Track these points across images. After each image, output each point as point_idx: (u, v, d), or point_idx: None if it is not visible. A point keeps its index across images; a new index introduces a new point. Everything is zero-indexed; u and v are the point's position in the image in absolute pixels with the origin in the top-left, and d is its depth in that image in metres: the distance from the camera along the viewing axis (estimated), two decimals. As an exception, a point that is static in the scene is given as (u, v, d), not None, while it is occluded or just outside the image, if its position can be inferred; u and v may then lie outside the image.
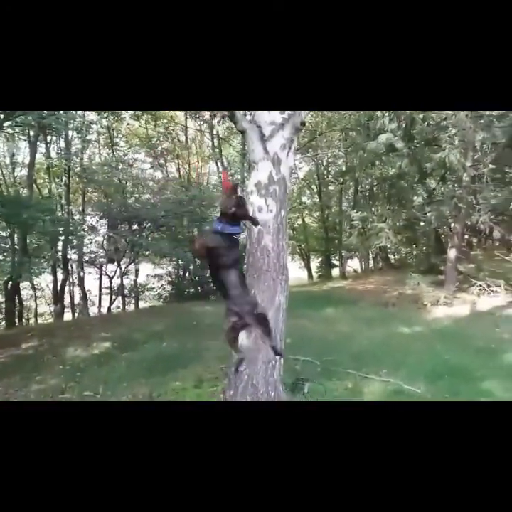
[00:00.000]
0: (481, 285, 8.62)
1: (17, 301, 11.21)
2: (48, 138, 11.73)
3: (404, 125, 8.87)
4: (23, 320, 12.12)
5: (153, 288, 13.63)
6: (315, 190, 18.63)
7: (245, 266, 3.35)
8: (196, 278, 12.22)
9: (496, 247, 13.42)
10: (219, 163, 15.23)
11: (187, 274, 13.05)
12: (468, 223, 8.94)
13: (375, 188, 14.81)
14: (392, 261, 16.72)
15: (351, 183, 17.03)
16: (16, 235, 9.61)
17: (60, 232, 9.60)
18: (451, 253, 8.91)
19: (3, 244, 8.53)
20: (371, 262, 17.95)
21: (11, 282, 10.18)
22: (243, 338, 3.24)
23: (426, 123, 8.61)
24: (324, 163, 17.90)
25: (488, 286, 8.56)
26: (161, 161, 15.42)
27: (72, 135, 12.06)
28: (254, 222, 3.08)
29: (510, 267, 9.62)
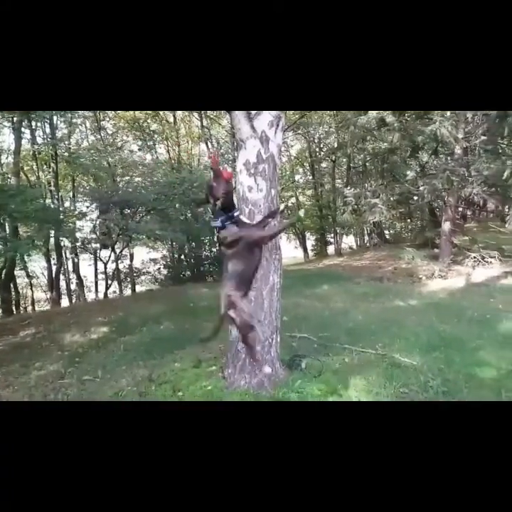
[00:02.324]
0: (475, 257, 8.67)
1: (12, 289, 11.16)
2: (33, 123, 11.42)
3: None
4: (21, 308, 12.10)
5: (150, 272, 13.62)
6: (308, 167, 18.46)
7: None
8: (192, 260, 12.20)
9: (490, 219, 13.47)
10: (209, 143, 14.99)
11: (182, 257, 13.02)
12: (462, 196, 8.91)
13: (367, 164, 14.69)
14: (387, 236, 16.75)
15: (344, 160, 16.87)
16: (6, 224, 9.50)
17: (50, 219, 9.45)
18: (446, 226, 8.92)
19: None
20: (366, 238, 17.97)
21: (4, 271, 10.11)
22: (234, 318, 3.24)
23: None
24: (316, 140, 17.67)
25: (483, 257, 8.61)
26: (150, 143, 15.17)
27: (57, 119, 11.76)
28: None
29: (504, 238, 9.67)
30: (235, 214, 2.88)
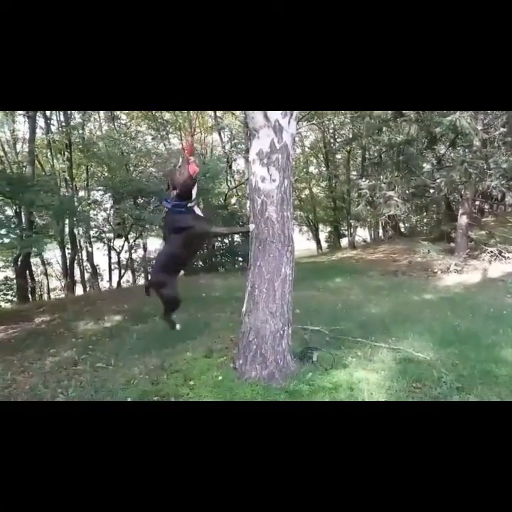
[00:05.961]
0: (492, 251, 8.49)
1: (28, 277, 11.35)
2: (47, 112, 11.49)
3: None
4: (36, 295, 12.32)
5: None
6: (322, 159, 18.26)
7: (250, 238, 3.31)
8: (204, 251, 12.22)
9: (508, 213, 13.17)
10: (222, 133, 14.92)
11: (194, 247, 13.03)
12: (480, 189, 8.71)
13: (383, 156, 14.43)
14: (402, 229, 16.52)
15: (359, 151, 16.63)
16: (22, 213, 9.63)
17: (66, 209, 9.54)
18: (462, 220, 8.75)
19: (10, 222, 8.53)
20: (381, 231, 17.77)
21: (20, 258, 10.27)
22: (251, 308, 3.24)
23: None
24: (330, 131, 17.43)
25: (500, 252, 8.43)
26: (163, 133, 15.17)
27: (72, 108, 11.81)
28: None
29: (522, 233, 9.44)
30: (190, 204, 3.03)
